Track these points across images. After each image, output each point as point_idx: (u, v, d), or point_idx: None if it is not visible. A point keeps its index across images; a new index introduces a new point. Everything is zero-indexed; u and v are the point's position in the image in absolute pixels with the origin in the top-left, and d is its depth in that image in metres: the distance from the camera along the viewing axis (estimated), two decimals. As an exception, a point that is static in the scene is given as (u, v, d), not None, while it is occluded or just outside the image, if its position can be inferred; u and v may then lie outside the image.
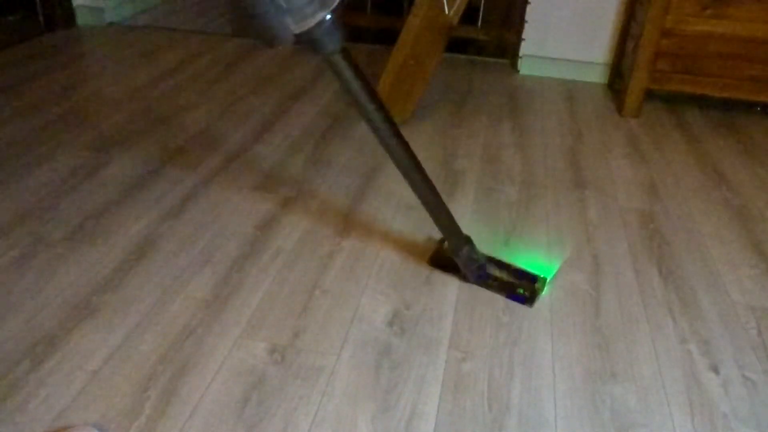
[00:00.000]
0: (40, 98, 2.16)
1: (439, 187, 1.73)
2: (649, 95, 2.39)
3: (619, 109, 2.32)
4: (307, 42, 0.98)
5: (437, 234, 1.52)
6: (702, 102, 2.43)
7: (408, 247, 1.47)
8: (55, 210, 1.54)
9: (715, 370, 1.17)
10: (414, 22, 1.97)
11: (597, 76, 2.61)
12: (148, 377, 1.08)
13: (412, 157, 1.20)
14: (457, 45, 2.85)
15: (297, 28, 0.94)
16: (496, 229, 1.56)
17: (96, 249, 1.41)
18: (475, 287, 1.34)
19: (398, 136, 1.16)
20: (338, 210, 1.60)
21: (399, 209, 1.62)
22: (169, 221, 1.52)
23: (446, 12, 2.01)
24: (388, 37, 2.85)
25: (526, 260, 1.44)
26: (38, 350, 1.13)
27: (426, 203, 1.26)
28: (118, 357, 1.12)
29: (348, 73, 1.07)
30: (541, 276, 1.37)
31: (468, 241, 1.30)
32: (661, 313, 1.30)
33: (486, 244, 1.49)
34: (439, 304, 1.29)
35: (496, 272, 1.39)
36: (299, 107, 2.20)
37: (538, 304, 1.31)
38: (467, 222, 1.58)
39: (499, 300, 1.31)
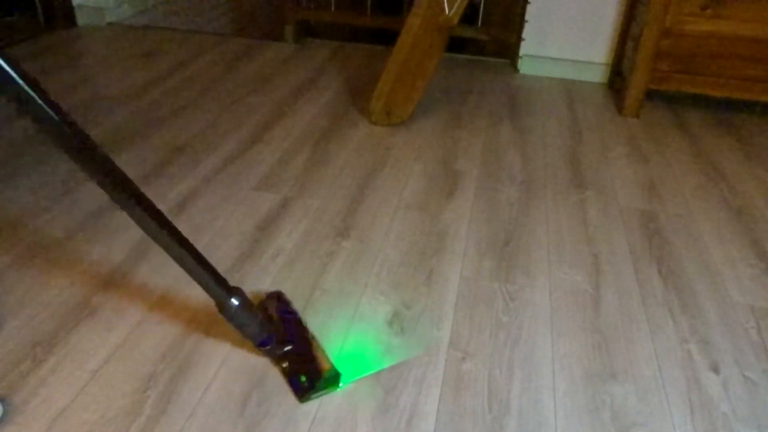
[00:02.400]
0: (40, 98, 2.16)
1: (438, 187, 1.73)
2: (649, 95, 2.39)
3: (619, 109, 2.32)
4: None
5: (437, 234, 1.52)
6: (702, 102, 2.43)
7: (408, 247, 1.47)
8: (55, 210, 1.54)
9: (715, 370, 1.17)
10: (414, 22, 1.97)
11: (597, 76, 2.61)
12: (148, 377, 1.08)
13: (122, 180, 0.86)
14: (457, 45, 2.85)
15: None
16: (496, 229, 1.56)
17: (96, 249, 1.41)
18: (475, 287, 1.34)
19: (80, 138, 0.82)
20: (338, 210, 1.60)
21: (399, 209, 1.62)
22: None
23: (446, 12, 2.01)
24: (388, 37, 2.85)
25: (339, 354, 1.15)
26: (38, 350, 1.13)
27: (163, 246, 0.94)
28: (118, 357, 1.12)
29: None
30: (336, 374, 1.10)
31: (235, 293, 1.01)
32: (661, 313, 1.30)
33: (486, 244, 1.49)
34: (439, 304, 1.29)
35: (309, 343, 1.15)
36: (299, 107, 2.20)
37: (538, 302, 1.31)
38: (467, 222, 1.58)
39: (499, 300, 1.31)
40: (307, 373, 1.09)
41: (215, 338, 1.18)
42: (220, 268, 1.36)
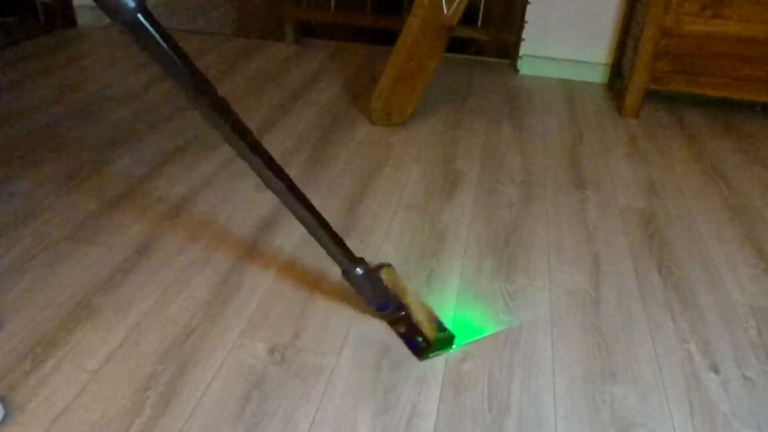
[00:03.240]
0: (40, 98, 2.16)
1: (439, 187, 1.73)
2: (649, 95, 2.39)
3: (619, 109, 2.32)
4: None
5: (437, 234, 1.52)
6: (702, 102, 2.43)
7: (408, 247, 1.47)
8: (55, 210, 1.54)
9: (715, 370, 1.17)
10: (414, 22, 1.97)
11: (597, 76, 2.61)
12: (148, 377, 1.08)
13: (264, 156, 1.01)
14: (457, 45, 2.85)
15: None
16: (496, 229, 1.56)
17: (96, 249, 1.41)
18: (475, 288, 1.34)
19: (236, 125, 0.97)
20: (338, 210, 1.60)
21: (399, 209, 1.62)
22: (169, 221, 1.52)
23: (446, 12, 2.01)
24: (388, 37, 2.85)
25: (452, 318, 1.26)
26: (38, 350, 1.13)
27: (295, 214, 1.11)
28: (118, 357, 1.12)
29: (152, 42, 0.87)
30: (450, 336, 1.20)
31: (359, 263, 1.15)
32: (661, 313, 1.30)
33: (486, 244, 1.49)
34: (439, 304, 1.29)
35: (412, 310, 1.23)
36: (299, 107, 2.20)
37: (538, 302, 1.30)
38: (467, 222, 1.58)
39: (499, 300, 1.31)
40: (422, 334, 1.19)
41: (215, 338, 1.18)
42: (220, 268, 1.36)
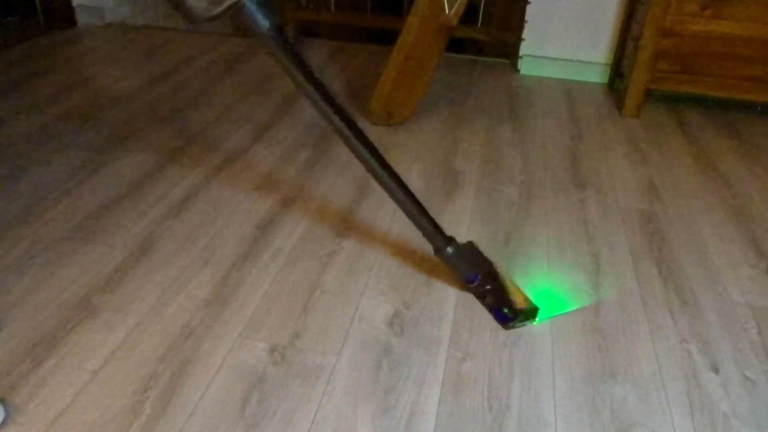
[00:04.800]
0: (40, 98, 2.16)
1: (438, 187, 1.73)
2: (649, 95, 2.39)
3: (619, 109, 2.32)
4: (238, 20, 0.97)
5: (437, 234, 1.52)
6: (702, 102, 2.43)
7: (408, 248, 1.47)
8: (55, 210, 1.54)
9: (715, 370, 1.17)
10: (414, 22, 1.97)
11: (597, 76, 2.61)
12: (148, 377, 1.08)
13: (375, 153, 1.17)
14: (457, 45, 2.85)
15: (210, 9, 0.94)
16: (496, 229, 1.56)
17: (96, 249, 1.41)
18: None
19: (353, 129, 1.13)
20: (338, 210, 1.60)
21: (399, 209, 1.61)
22: (169, 221, 1.52)
23: (446, 12, 2.01)
24: (388, 37, 2.85)
25: (536, 292, 1.34)
26: (38, 350, 1.13)
27: (398, 202, 1.24)
28: (118, 357, 1.12)
29: (283, 58, 1.03)
30: (534, 309, 1.28)
31: (450, 242, 1.27)
32: (661, 313, 1.30)
33: (486, 244, 1.49)
34: (439, 304, 1.29)
35: (500, 284, 1.30)
36: (299, 107, 2.20)
37: (537, 304, 1.30)
38: (467, 222, 1.58)
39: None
40: (509, 306, 1.26)
41: (215, 338, 1.18)
42: (220, 268, 1.36)
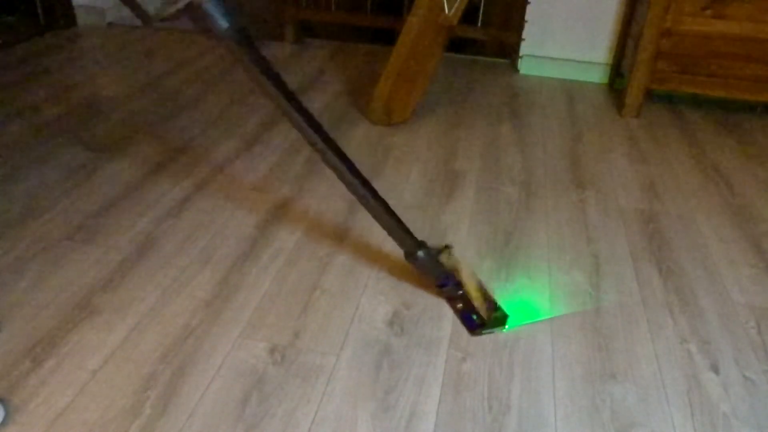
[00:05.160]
0: (40, 98, 2.16)
1: (439, 187, 1.73)
2: (649, 95, 2.39)
3: (619, 109, 2.32)
4: (195, 21, 0.93)
5: (437, 234, 1.52)
6: (702, 102, 2.43)
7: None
8: (55, 210, 1.54)
9: (715, 370, 1.17)
10: (414, 22, 1.97)
11: (597, 76, 2.61)
12: (148, 377, 1.08)
13: (343, 157, 1.13)
14: (457, 45, 2.85)
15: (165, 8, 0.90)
16: (496, 229, 1.56)
17: (96, 249, 1.41)
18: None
19: (320, 132, 1.09)
20: (338, 210, 1.60)
21: (398, 209, 1.62)
22: (169, 221, 1.52)
23: (446, 12, 2.01)
24: (388, 37, 2.85)
25: (507, 299, 1.32)
26: (38, 350, 1.13)
27: (367, 207, 1.21)
28: (118, 357, 1.12)
29: (245, 60, 0.98)
30: (504, 316, 1.26)
31: (421, 246, 1.25)
32: (661, 313, 1.30)
33: (486, 244, 1.49)
34: (439, 304, 1.29)
35: (468, 288, 1.30)
36: (299, 107, 2.20)
37: (538, 303, 1.30)
38: (467, 222, 1.58)
39: (499, 300, 1.31)
40: (477, 312, 1.25)
41: (215, 338, 1.18)
42: (220, 268, 1.36)
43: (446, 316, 1.26)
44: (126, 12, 3.11)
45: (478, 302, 1.27)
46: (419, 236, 1.51)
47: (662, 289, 1.38)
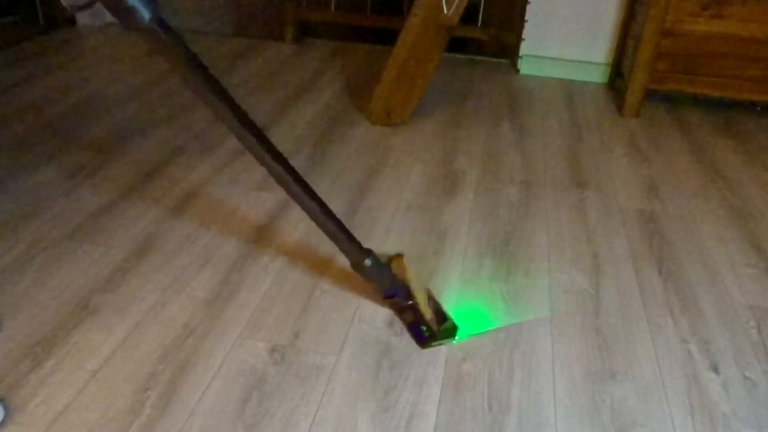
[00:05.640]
0: (40, 98, 2.16)
1: (439, 187, 1.73)
2: (649, 95, 2.39)
3: (619, 109, 2.32)
4: (114, 12, 0.87)
5: (437, 234, 1.52)
6: (702, 102, 2.43)
7: (407, 247, 1.47)
8: (55, 210, 1.54)
9: (715, 370, 1.17)
10: (414, 22, 1.97)
11: (597, 76, 2.61)
12: (148, 377, 1.08)
13: (281, 160, 1.06)
14: (457, 45, 2.85)
15: None
16: (496, 229, 1.56)
17: (96, 249, 1.41)
18: (475, 288, 1.34)
19: (253, 130, 1.02)
20: (338, 210, 1.60)
21: (399, 209, 1.62)
22: (169, 221, 1.52)
23: (446, 12, 2.01)
24: (388, 37, 2.85)
25: (457, 311, 1.27)
26: (38, 350, 1.13)
27: (310, 213, 1.13)
28: (118, 357, 1.12)
29: (169, 52, 0.92)
30: (454, 327, 1.22)
31: (368, 254, 1.19)
32: (661, 313, 1.30)
33: (486, 244, 1.49)
34: (441, 301, 1.29)
35: (418, 299, 1.25)
36: (299, 107, 2.20)
37: (538, 303, 1.30)
38: (467, 222, 1.58)
39: (499, 300, 1.31)
40: (427, 324, 1.20)
41: (215, 338, 1.18)
42: (220, 268, 1.36)
43: (451, 309, 1.26)
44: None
45: (427, 313, 1.23)
46: (419, 236, 1.51)
47: (662, 289, 1.38)
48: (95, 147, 1.85)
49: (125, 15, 0.87)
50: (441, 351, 1.17)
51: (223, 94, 0.99)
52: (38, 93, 2.20)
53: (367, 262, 1.19)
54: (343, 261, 1.41)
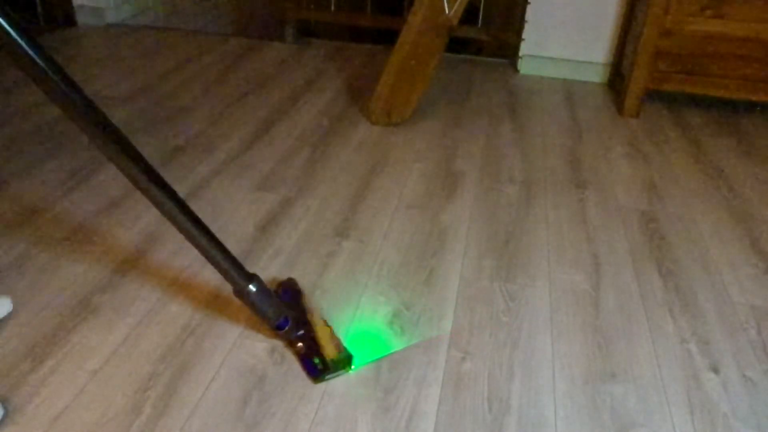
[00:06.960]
0: (40, 98, 2.16)
1: (439, 187, 1.73)
2: (649, 95, 2.39)
3: (619, 109, 2.32)
4: None
5: (437, 234, 1.52)
6: (702, 102, 2.43)
7: (408, 247, 1.47)
8: (55, 210, 1.54)
9: (715, 370, 1.17)
10: (414, 22, 1.97)
11: (597, 76, 2.61)
12: (149, 377, 1.08)
13: (143, 165, 0.91)
14: (457, 45, 2.85)
15: None
16: (496, 229, 1.56)
17: (96, 249, 1.41)
18: (476, 288, 1.34)
19: (105, 127, 0.86)
20: (338, 210, 1.60)
21: (399, 209, 1.62)
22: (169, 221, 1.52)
23: (446, 12, 2.01)
24: (388, 37, 2.85)
25: (352, 338, 1.19)
26: (38, 350, 1.13)
27: (183, 232, 1.00)
28: (118, 357, 1.12)
29: (16, 48, 0.78)
30: (349, 357, 1.14)
31: (252, 279, 1.06)
32: (661, 313, 1.30)
33: (486, 244, 1.49)
34: (439, 304, 1.29)
35: (315, 328, 1.18)
36: (299, 107, 2.20)
37: (538, 302, 1.31)
38: (467, 222, 1.58)
39: (500, 300, 1.31)
40: (320, 355, 1.13)
41: (215, 338, 1.18)
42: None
43: (446, 316, 1.26)
44: (126, 12, 3.11)
45: (324, 343, 1.15)
46: (419, 236, 1.51)
47: (662, 289, 1.38)
48: (95, 147, 1.85)
49: None
50: (441, 351, 1.17)
51: (85, 101, 0.84)
52: (38, 93, 2.20)
53: (252, 288, 1.05)
54: (343, 260, 1.41)
